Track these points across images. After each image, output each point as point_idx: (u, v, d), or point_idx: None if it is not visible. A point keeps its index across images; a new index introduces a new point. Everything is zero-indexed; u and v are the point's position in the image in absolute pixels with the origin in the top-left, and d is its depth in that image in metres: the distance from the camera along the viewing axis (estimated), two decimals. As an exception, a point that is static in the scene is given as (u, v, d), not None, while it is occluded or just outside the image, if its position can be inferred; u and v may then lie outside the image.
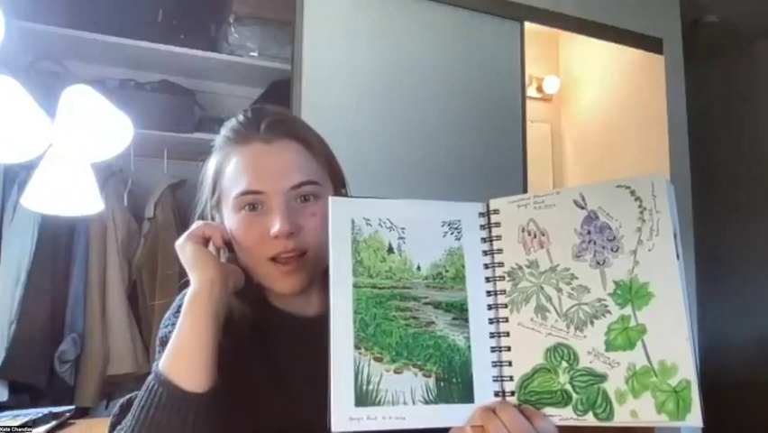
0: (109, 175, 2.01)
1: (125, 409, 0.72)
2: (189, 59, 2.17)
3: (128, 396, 0.75)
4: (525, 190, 2.22)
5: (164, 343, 0.76)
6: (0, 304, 1.81)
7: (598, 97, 2.95)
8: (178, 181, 2.13)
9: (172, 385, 0.66)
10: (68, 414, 1.45)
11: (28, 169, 1.50)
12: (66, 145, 1.35)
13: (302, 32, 1.94)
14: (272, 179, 0.76)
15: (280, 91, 2.12)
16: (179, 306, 0.79)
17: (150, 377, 0.68)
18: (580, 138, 3.05)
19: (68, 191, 1.39)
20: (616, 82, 2.83)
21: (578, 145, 3.07)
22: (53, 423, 1.37)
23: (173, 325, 0.76)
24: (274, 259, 0.76)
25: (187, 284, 0.74)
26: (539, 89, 3.08)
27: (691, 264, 2.46)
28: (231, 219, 0.78)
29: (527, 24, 2.29)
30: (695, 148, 2.60)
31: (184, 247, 0.75)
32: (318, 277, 0.79)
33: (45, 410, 1.42)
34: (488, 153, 2.19)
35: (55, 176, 1.37)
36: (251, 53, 2.24)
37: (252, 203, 0.76)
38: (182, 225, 2.11)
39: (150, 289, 2.01)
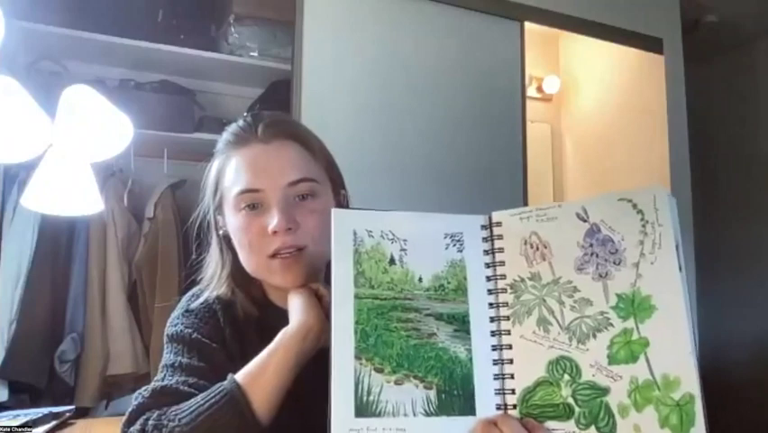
0: (109, 175, 2.01)
1: (158, 394, 0.71)
2: (189, 59, 2.17)
3: (160, 384, 0.73)
4: (525, 190, 2.22)
5: (173, 340, 0.78)
6: (0, 304, 1.81)
7: (598, 97, 2.95)
8: (178, 181, 2.13)
9: (247, 399, 0.67)
10: (68, 414, 1.44)
11: (28, 169, 1.50)
12: (66, 145, 1.35)
13: (302, 32, 1.94)
14: (270, 177, 0.78)
15: (280, 91, 2.11)
16: (187, 307, 0.83)
17: (226, 384, 0.69)
18: (580, 138, 3.05)
19: (68, 191, 1.39)
20: (616, 82, 2.82)
21: (578, 145, 3.07)
22: (53, 423, 1.36)
23: (182, 324, 0.80)
24: (274, 256, 0.77)
25: (189, 286, 0.75)
26: (539, 89, 3.08)
27: (692, 264, 2.46)
28: (232, 219, 0.80)
29: (527, 24, 2.29)
30: (695, 148, 2.60)
31: (300, 291, 0.77)
32: (318, 275, 0.80)
33: (45, 410, 1.41)
34: (488, 153, 2.19)
35: (55, 176, 1.36)
36: (251, 53, 2.24)
37: (252, 202, 0.78)
38: (182, 225, 2.11)
39: (151, 289, 2.01)
